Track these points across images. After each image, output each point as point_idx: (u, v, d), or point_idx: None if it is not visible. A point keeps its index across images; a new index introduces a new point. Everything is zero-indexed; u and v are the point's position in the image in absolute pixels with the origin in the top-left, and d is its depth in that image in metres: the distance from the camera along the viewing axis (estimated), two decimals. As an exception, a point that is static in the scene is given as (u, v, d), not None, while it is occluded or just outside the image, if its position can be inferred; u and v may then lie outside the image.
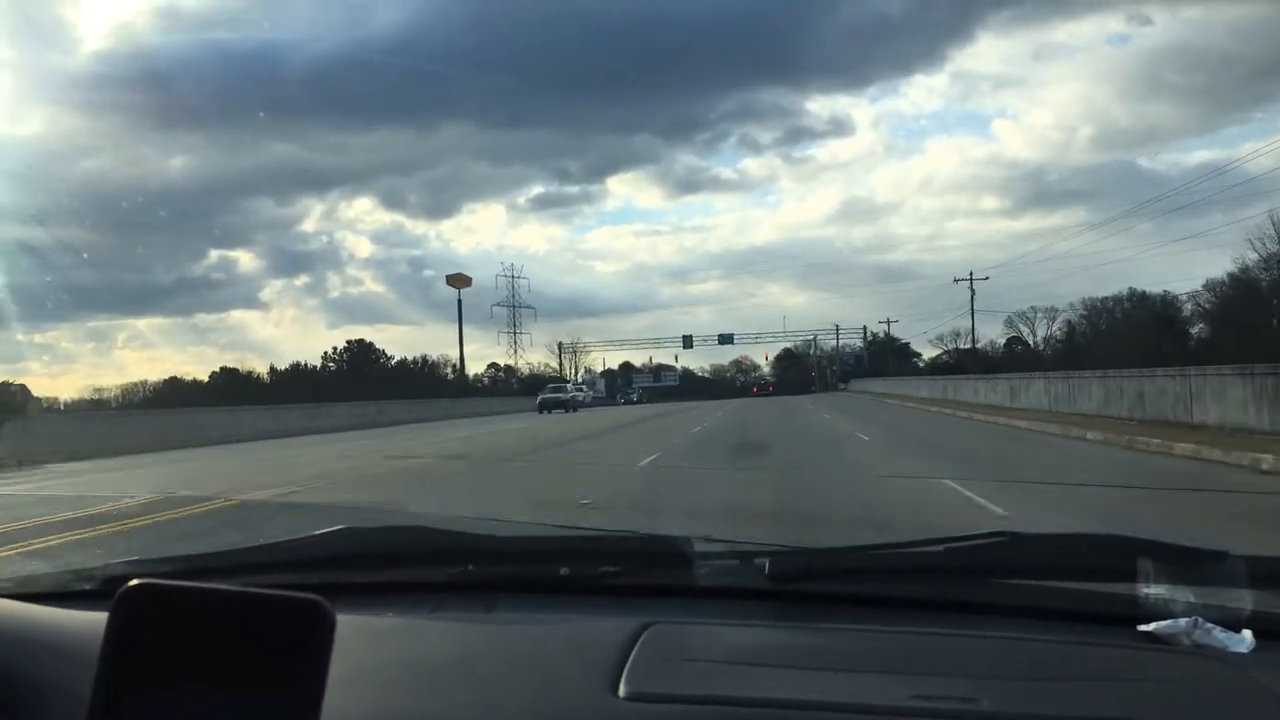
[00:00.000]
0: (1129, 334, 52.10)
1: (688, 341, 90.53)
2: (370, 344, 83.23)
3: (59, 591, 1.26)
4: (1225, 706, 0.92)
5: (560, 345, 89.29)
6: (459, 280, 72.48)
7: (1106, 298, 62.24)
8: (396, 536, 1.46)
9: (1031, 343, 70.56)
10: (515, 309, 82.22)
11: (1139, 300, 59.59)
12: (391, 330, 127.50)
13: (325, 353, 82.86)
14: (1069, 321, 66.29)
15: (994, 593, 1.22)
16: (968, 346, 68.44)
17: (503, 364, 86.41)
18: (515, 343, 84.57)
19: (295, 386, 61.41)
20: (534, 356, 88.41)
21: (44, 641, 0.93)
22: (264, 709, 0.65)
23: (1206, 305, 52.18)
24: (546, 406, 42.43)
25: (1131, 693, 0.94)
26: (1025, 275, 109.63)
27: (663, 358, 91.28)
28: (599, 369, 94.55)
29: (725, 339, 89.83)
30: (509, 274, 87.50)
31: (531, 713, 0.91)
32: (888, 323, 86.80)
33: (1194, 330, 53.98)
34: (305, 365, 78.14)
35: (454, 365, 79.25)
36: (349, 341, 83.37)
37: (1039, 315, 72.10)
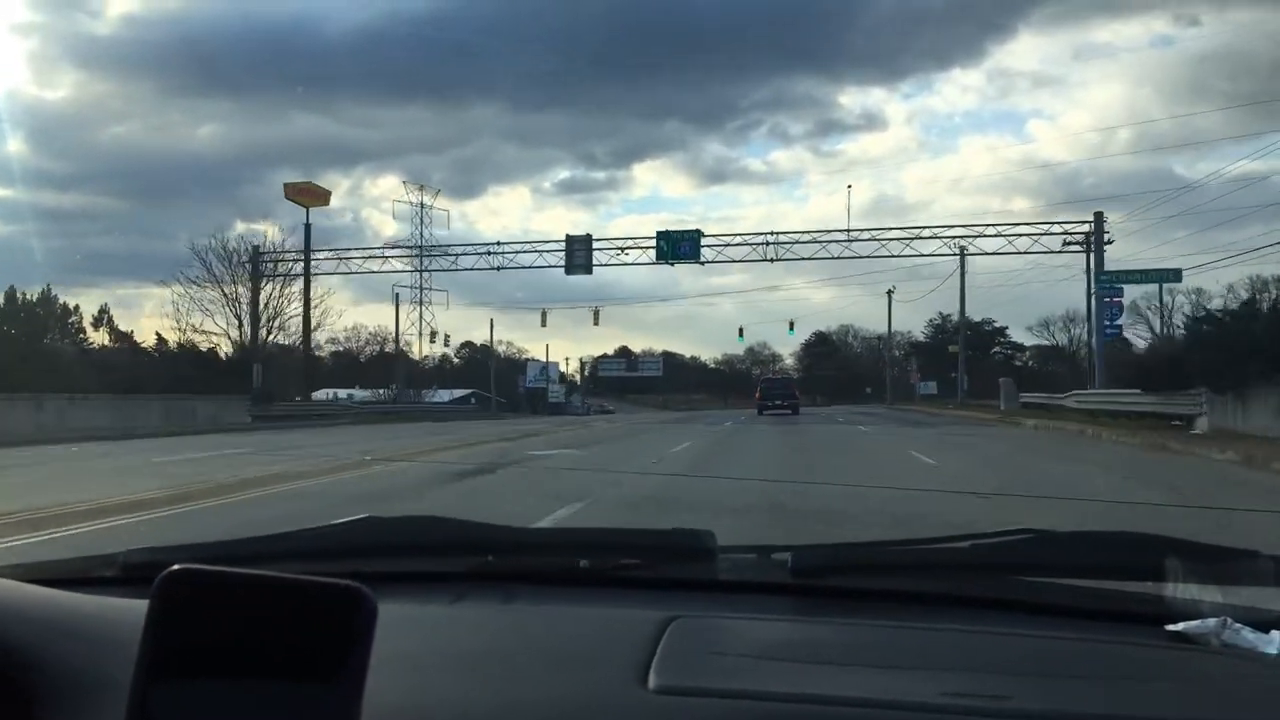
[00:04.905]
0: None
1: (575, 254, 41.53)
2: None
3: (78, 578, 1.33)
4: (1255, 707, 1.00)
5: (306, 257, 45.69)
6: (306, 193, 45.08)
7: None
8: (416, 527, 1.56)
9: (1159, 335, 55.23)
10: (421, 250, 50.28)
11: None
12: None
13: None
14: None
15: (1020, 590, 1.30)
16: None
17: (480, 343, 68.55)
18: (421, 300, 55.99)
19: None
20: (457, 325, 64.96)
21: (67, 626, 0.98)
22: (306, 697, 0.68)
23: None
24: None
25: (1160, 692, 1.01)
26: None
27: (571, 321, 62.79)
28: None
29: (683, 245, 39.99)
30: (412, 202, 57.61)
31: (563, 703, 0.96)
32: (1086, 244, 37.87)
33: None
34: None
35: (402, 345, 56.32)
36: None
37: (1181, 300, 54.65)
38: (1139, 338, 57.11)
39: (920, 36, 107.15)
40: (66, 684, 0.87)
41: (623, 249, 42.65)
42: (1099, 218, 37.90)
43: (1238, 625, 1.13)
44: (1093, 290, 35.95)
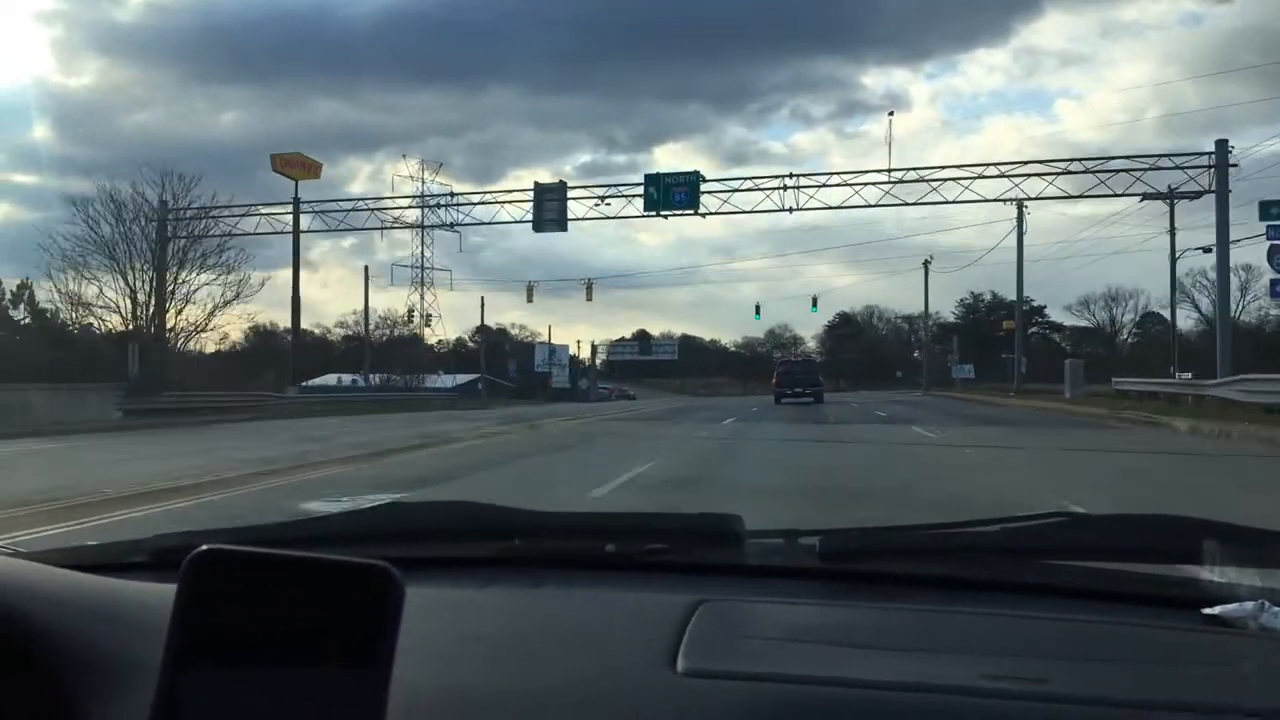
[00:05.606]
0: None
1: (545, 206, 33.53)
2: None
3: (109, 563, 1.35)
4: None
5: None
6: (295, 165, 39.01)
7: None
8: (443, 511, 1.58)
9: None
10: (424, 208, 41.41)
11: None
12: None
13: None
14: None
15: (1053, 574, 1.30)
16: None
17: (495, 327, 68.22)
18: (422, 279, 55.26)
19: None
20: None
21: (99, 610, 0.99)
22: (334, 679, 0.69)
23: None
24: None
25: (1197, 676, 1.01)
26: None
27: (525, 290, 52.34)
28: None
29: (678, 191, 31.57)
30: (414, 178, 55.27)
31: (592, 686, 0.97)
32: (1170, 196, 30.27)
33: None
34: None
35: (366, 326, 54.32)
36: None
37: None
38: (1187, 317, 49.78)
39: (945, 14, 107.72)
40: (98, 667, 0.87)
41: (603, 198, 34.06)
42: (1221, 147, 28.37)
43: (1276, 609, 1.11)
44: (1222, 240, 27.66)
